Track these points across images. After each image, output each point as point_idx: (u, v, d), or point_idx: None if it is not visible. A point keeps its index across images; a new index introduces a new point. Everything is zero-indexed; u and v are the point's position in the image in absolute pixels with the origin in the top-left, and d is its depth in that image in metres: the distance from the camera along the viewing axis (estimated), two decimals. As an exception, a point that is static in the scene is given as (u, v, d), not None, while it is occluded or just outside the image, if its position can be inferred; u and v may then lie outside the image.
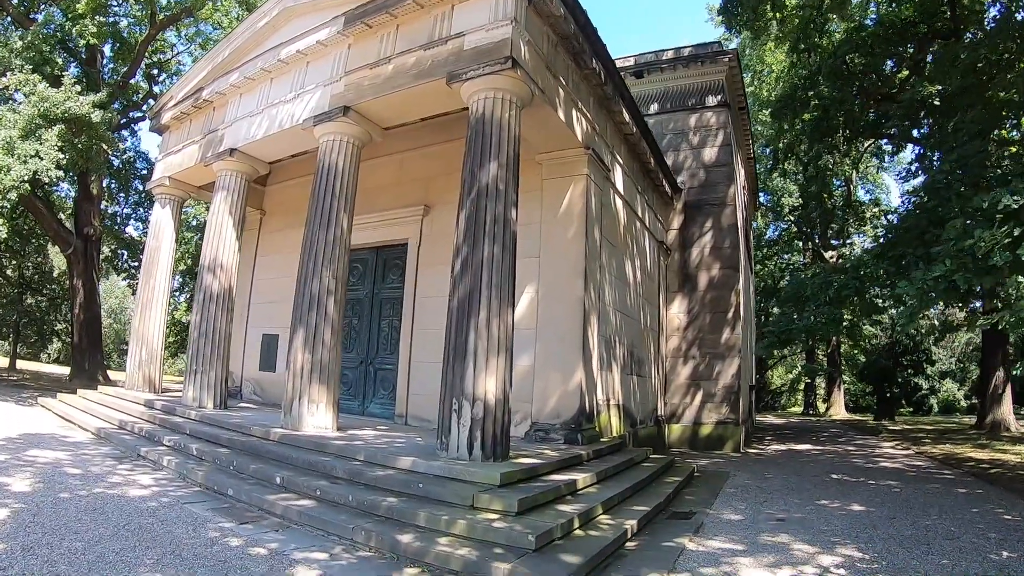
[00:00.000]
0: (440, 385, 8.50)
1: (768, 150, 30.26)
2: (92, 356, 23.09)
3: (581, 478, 8.36)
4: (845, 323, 17.14)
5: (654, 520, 8.24)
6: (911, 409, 33.11)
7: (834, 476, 12.75)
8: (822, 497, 10.44)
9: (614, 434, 12.40)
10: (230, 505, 7.59)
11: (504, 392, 8.38)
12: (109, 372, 25.19)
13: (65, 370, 28.20)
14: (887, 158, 31.79)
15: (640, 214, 15.35)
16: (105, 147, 18.78)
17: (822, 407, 37.66)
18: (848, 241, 35.90)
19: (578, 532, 6.71)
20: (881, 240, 18.45)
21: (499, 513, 6.50)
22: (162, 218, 14.77)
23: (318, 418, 10.10)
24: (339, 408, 12.91)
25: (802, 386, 45.48)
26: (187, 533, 6.33)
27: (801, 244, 37.56)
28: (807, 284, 16.28)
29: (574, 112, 11.08)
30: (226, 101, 13.40)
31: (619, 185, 13.58)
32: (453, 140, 12.46)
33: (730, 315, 16.72)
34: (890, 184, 41.81)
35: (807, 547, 7.18)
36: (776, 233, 40.43)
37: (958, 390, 37.00)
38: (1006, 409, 19.58)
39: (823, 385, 40.88)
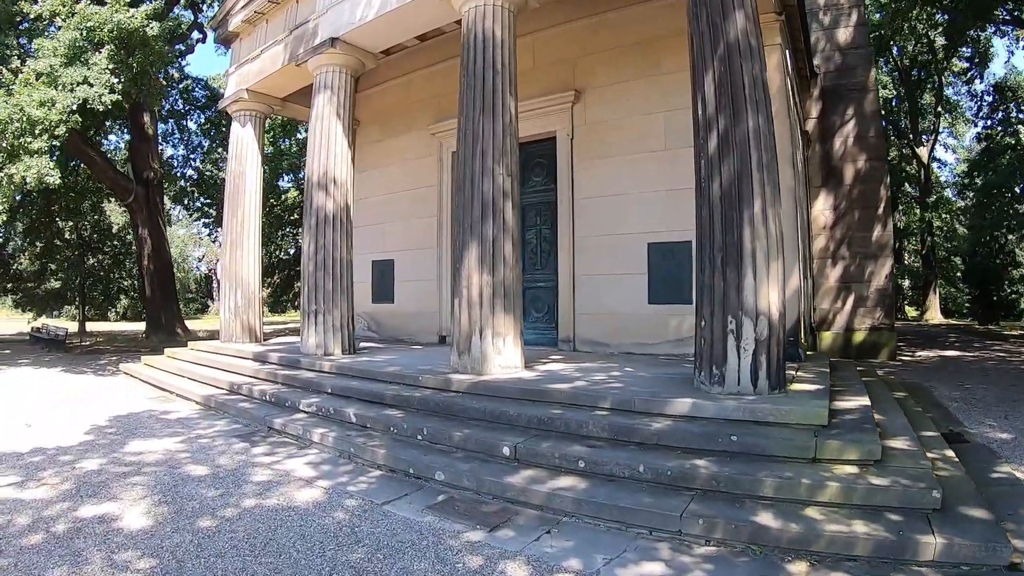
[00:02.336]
0: (698, 300, 5.68)
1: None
2: (167, 308, 19.50)
3: (859, 404, 5.69)
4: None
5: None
6: (1003, 314, 29.24)
7: None
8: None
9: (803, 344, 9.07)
10: (448, 497, 4.65)
11: (785, 305, 5.71)
12: (186, 323, 21.66)
13: (138, 326, 24.44)
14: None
15: (791, 100, 11.57)
16: (160, 71, 14.70)
17: (910, 311, 33.61)
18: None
19: (943, 474, 4.47)
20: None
21: (857, 464, 4.24)
22: (243, 137, 11.03)
23: (506, 356, 6.88)
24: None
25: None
26: (430, 567, 3.50)
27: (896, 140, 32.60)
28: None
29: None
30: (314, -15, 9.54)
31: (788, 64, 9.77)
32: (598, 14, 9.22)
33: (880, 210, 13.21)
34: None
35: None
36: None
37: None
38: None
39: (909, 289, 36.56)
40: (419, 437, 5.62)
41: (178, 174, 22.50)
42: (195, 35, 19.06)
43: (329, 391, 7.09)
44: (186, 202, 23.30)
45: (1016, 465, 5.22)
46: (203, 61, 47.01)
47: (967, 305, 31.79)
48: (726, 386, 5.32)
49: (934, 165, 30.03)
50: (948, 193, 33.31)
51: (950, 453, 5.13)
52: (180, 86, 20.36)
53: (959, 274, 31.74)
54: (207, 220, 23.01)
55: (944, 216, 29.30)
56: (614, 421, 5.08)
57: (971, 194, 25.59)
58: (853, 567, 3.41)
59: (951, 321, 28.42)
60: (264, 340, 10.98)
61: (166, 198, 22.40)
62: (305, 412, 6.74)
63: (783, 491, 3.98)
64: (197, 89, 21.30)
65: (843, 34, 14.00)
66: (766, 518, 3.76)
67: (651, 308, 8.68)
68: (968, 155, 33.89)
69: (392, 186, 11.44)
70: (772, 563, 3.50)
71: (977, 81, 27.06)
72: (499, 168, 6.99)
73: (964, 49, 24.04)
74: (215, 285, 45.21)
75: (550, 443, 4.99)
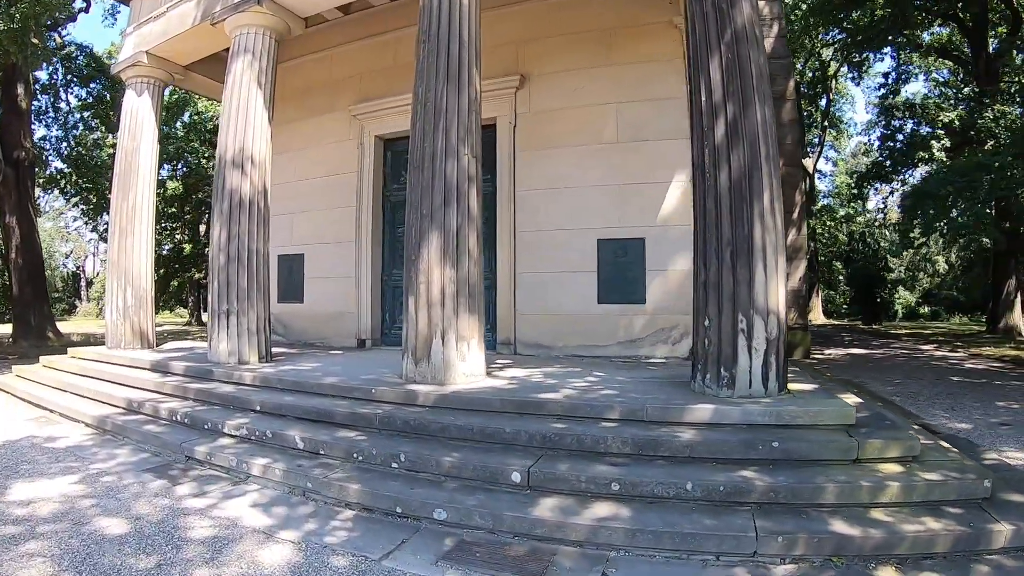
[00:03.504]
0: (700, 297, 5.04)
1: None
2: (38, 308, 15.98)
3: (854, 401, 5.66)
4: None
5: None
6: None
7: (955, 379, 9.58)
8: (994, 400, 7.40)
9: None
10: (459, 541, 3.55)
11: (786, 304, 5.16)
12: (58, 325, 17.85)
13: (3, 329, 20.26)
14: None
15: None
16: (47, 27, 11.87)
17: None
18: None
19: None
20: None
21: (899, 461, 4.00)
22: (139, 108, 8.91)
23: (471, 362, 5.79)
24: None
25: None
26: None
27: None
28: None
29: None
30: (234, -68, 7.82)
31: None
32: None
33: (795, 215, 13.30)
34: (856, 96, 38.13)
35: None
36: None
37: (911, 296, 35.42)
38: (1017, 315, 17.61)
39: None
40: (394, 465, 4.39)
41: (50, 158, 18.59)
42: (77, 3, 15.78)
43: (258, 408, 5.60)
44: (63, 185, 18.95)
45: (999, 451, 5.08)
46: (87, 33, 40.33)
47: (845, 307, 34.07)
48: (736, 389, 4.74)
49: (816, 176, 31.76)
50: (829, 201, 35.57)
51: (945, 444, 4.87)
52: (62, 52, 16.64)
53: (841, 277, 33.94)
54: (86, 206, 19.12)
55: (828, 223, 31.13)
56: (635, 434, 4.26)
57: (857, 203, 27.09)
58: (934, 565, 3.18)
59: (834, 321, 30.33)
60: (157, 346, 9.04)
61: (37, 188, 18.53)
62: (232, 436, 5.24)
63: (844, 496, 3.59)
64: (80, 57, 17.47)
65: (766, 44, 14.03)
66: (841, 526, 3.35)
67: (601, 308, 7.91)
68: (847, 166, 36.42)
69: (305, 172, 9.81)
70: (859, 573, 3.13)
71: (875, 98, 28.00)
72: (464, 148, 5.88)
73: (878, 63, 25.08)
74: (83, 284, 39.57)
75: (567, 464, 4.04)
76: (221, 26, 7.64)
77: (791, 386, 5.19)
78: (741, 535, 3.29)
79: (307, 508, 4.11)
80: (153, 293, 8.80)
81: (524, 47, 8.37)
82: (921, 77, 22.96)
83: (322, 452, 4.73)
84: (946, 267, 32.66)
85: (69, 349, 8.84)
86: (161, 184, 18.72)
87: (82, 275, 41.80)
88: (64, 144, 18.11)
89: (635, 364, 7.20)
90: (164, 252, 25.01)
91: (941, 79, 21.22)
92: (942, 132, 17.22)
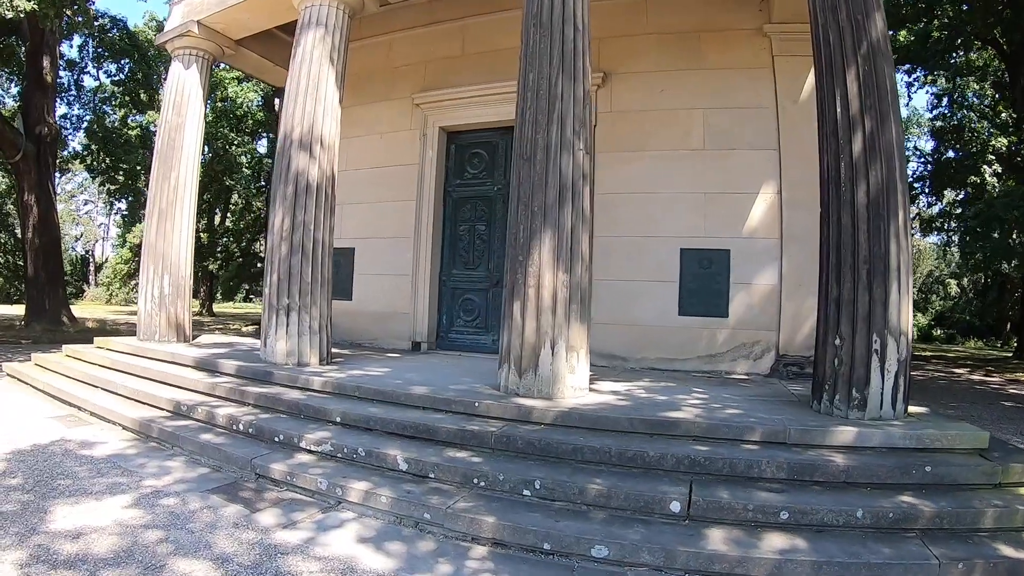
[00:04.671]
0: (830, 315, 4.60)
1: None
2: (53, 292, 14.41)
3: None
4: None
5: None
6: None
7: (1007, 404, 9.00)
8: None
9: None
10: None
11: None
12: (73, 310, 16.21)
13: (14, 310, 18.61)
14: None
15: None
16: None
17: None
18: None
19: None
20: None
21: None
22: (186, 82, 7.84)
23: (579, 375, 5.01)
24: (462, 345, 8.33)
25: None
26: None
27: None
28: None
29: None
30: None
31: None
32: None
33: None
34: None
35: None
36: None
37: (924, 319, 33.47)
38: None
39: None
40: (526, 492, 3.61)
41: (69, 137, 16.95)
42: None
43: (338, 420, 4.66)
44: (91, 162, 16.97)
45: None
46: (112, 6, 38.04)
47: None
48: (867, 411, 4.35)
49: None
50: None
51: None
52: (96, 24, 14.86)
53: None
54: (113, 186, 17.47)
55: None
56: (790, 459, 3.74)
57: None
58: None
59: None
60: (193, 340, 7.94)
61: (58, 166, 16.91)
62: (312, 452, 4.31)
63: (1002, 520, 3.31)
64: (114, 30, 15.68)
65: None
66: (1008, 551, 3.09)
67: (681, 320, 7.11)
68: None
69: (357, 161, 8.78)
70: None
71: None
72: (579, 142, 5.06)
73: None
74: (92, 268, 37.56)
75: (727, 492, 3.49)
76: (287, -3, 6.68)
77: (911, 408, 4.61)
78: (924, 563, 2.99)
79: (428, 544, 3.30)
80: (191, 282, 7.72)
81: (606, 44, 7.48)
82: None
83: (431, 476, 3.88)
84: (958, 290, 32.16)
85: (96, 339, 7.68)
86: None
87: (91, 259, 39.76)
88: (88, 120, 16.50)
89: (719, 380, 6.51)
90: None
91: (978, 103, 20.13)
92: (992, 157, 16.61)
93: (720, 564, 3.01)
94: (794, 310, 6.84)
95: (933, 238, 21.38)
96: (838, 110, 4.66)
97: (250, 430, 4.70)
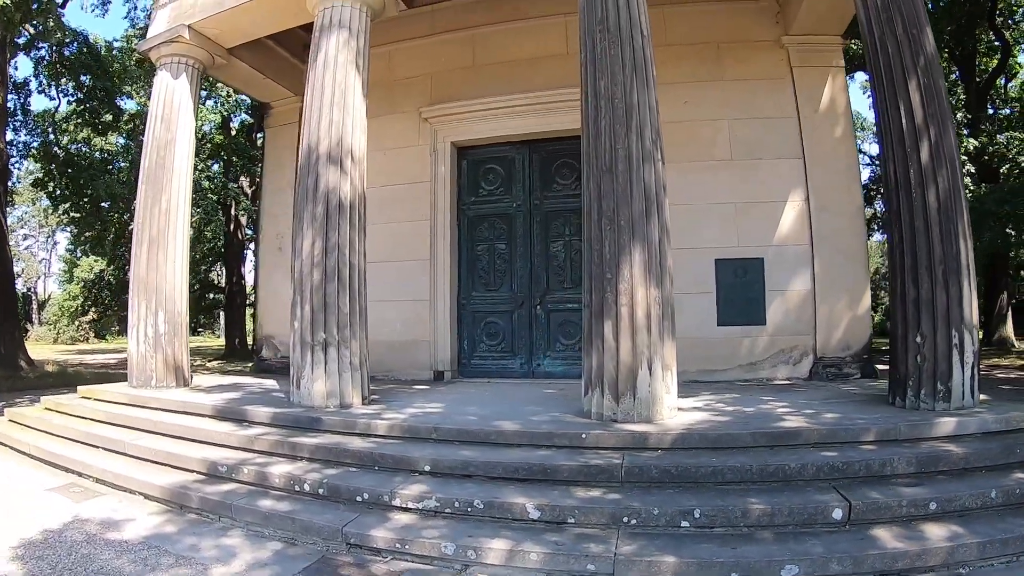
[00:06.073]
0: (910, 314, 4.66)
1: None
2: (7, 333, 12.43)
3: None
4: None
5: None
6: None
7: (1006, 388, 9.20)
8: None
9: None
10: None
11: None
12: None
13: None
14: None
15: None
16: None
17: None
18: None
19: None
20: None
21: None
22: (175, 93, 6.86)
23: (673, 394, 4.66)
24: (488, 371, 7.86)
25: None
26: None
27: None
28: None
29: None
30: None
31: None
32: (656, 6, 7.02)
33: None
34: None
35: None
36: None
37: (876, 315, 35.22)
38: (1009, 328, 17.50)
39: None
40: (684, 524, 3.29)
41: (16, 165, 14.77)
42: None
43: (428, 469, 4.00)
44: (53, 188, 14.53)
45: None
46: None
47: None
48: (952, 401, 4.52)
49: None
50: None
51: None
52: (55, 37, 12.79)
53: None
54: (78, 214, 15.04)
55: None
56: (918, 453, 3.78)
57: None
58: None
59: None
60: (192, 382, 6.89)
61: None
62: (413, 510, 3.64)
63: None
64: (73, 45, 13.58)
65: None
66: None
67: (721, 331, 6.95)
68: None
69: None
70: None
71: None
72: (657, 153, 4.71)
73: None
74: (35, 306, 33.63)
75: (876, 492, 3.44)
76: (301, -2, 5.98)
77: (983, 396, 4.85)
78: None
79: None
80: (188, 318, 6.69)
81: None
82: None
83: (570, 521, 3.40)
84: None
85: (80, 388, 6.49)
86: (125, 201, 15.29)
87: (34, 297, 35.94)
88: (36, 146, 14.34)
89: (769, 387, 6.45)
90: (128, 276, 21.18)
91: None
92: (965, 157, 17.54)
93: (903, 560, 3.01)
94: (827, 313, 6.92)
95: (877, 237, 22.51)
96: (903, 119, 4.76)
97: (320, 490, 3.95)
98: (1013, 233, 12.36)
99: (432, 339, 7.65)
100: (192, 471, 4.53)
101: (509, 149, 7.82)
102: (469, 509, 3.55)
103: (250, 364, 14.44)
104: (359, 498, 3.82)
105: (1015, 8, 14.67)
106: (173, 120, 6.76)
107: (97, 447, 5.19)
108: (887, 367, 8.08)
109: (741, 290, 6.90)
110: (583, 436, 4.11)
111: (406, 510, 3.68)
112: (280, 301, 8.38)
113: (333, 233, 5.41)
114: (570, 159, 7.54)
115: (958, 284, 4.56)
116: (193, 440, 4.95)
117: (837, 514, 3.26)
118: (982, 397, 4.79)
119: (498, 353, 7.70)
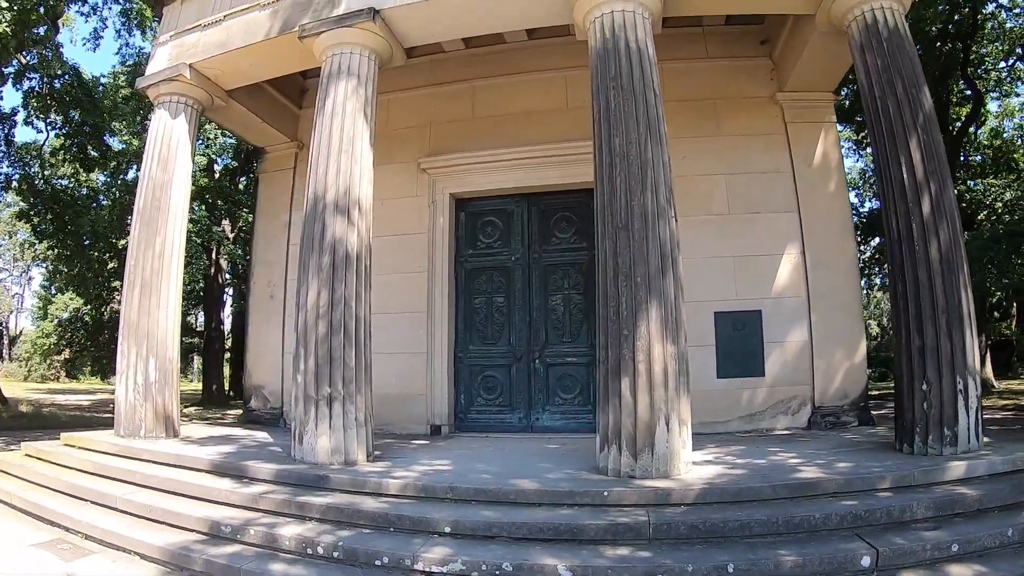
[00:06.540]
0: (915, 362, 4.87)
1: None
2: None
3: None
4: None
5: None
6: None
7: (993, 428, 9.47)
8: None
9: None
10: None
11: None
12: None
13: None
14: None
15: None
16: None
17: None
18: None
19: None
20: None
21: None
22: (174, 133, 6.81)
23: (689, 448, 4.73)
24: (485, 425, 7.78)
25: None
26: None
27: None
28: None
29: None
30: (333, -57, 6.43)
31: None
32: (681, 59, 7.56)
33: None
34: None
35: None
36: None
37: None
38: (988, 369, 17.49)
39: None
40: None
41: None
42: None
43: (448, 531, 3.90)
44: (37, 223, 14.19)
45: None
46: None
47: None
48: (958, 446, 4.71)
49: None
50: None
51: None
52: (47, 67, 12.52)
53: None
54: (62, 250, 14.43)
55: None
56: (935, 498, 3.95)
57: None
58: None
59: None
60: (180, 433, 6.62)
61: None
62: (437, 574, 3.53)
63: None
64: (65, 76, 13.25)
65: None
66: None
67: (721, 383, 7.04)
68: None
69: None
70: None
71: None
72: (671, 209, 4.87)
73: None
74: (5, 342, 32.33)
75: (900, 538, 3.60)
76: (308, 43, 6.09)
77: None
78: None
79: None
80: (179, 366, 6.51)
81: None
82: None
83: None
84: (879, 329, 33.93)
85: (64, 436, 6.20)
86: (106, 239, 15.00)
87: (5, 332, 34.71)
88: (17, 178, 13.93)
89: (769, 437, 6.56)
90: (105, 316, 20.57)
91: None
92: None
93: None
94: (825, 364, 6.99)
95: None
96: (904, 175, 5.04)
97: (336, 553, 3.81)
98: (995, 273, 12.96)
99: (429, 393, 7.53)
100: (192, 530, 4.32)
101: (508, 202, 7.90)
102: (498, 572, 3.44)
103: (230, 412, 14.12)
104: (378, 562, 3.70)
105: (985, 58, 15.64)
106: (171, 160, 6.70)
107: (85, 500, 4.95)
108: (882, 413, 8.31)
109: (740, 342, 7.01)
110: (605, 494, 4.07)
111: (430, 574, 3.62)
112: (271, 350, 8.33)
113: (340, 285, 5.36)
114: (569, 212, 7.72)
115: (961, 332, 4.78)
116: (191, 496, 4.74)
117: (865, 561, 3.39)
118: (984, 440, 4.96)
119: (496, 407, 7.61)
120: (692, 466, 4.68)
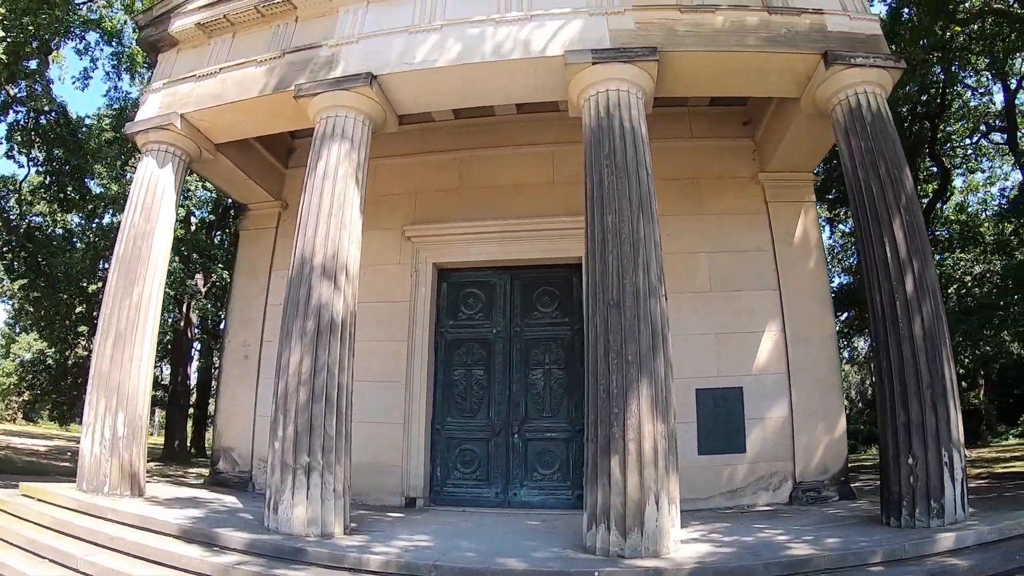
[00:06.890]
0: (900, 437, 4.96)
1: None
2: None
3: None
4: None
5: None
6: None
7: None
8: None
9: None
10: None
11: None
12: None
13: None
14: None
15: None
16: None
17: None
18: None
19: None
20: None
21: None
22: (159, 182, 6.78)
23: (678, 527, 4.72)
24: (462, 499, 7.61)
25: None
26: None
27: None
28: None
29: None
30: (334, 8, 6.61)
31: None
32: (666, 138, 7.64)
33: None
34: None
35: None
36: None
37: None
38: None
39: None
40: None
41: None
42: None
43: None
44: (10, 260, 13.73)
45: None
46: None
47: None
48: (945, 517, 4.76)
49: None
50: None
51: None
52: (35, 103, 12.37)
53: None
54: (30, 291, 13.82)
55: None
56: (926, 570, 4.09)
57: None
58: None
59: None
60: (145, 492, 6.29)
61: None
62: None
63: None
64: (52, 114, 13.05)
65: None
66: None
67: (703, 459, 7.01)
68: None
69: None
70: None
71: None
72: (661, 288, 5.01)
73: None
74: None
75: None
76: (303, 103, 6.24)
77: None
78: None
79: None
80: (148, 422, 6.28)
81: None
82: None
83: None
84: (847, 402, 33.88)
85: (22, 485, 5.87)
86: (77, 283, 14.51)
87: None
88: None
89: (752, 513, 6.56)
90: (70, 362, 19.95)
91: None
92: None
93: None
94: (806, 439, 7.04)
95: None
96: (888, 254, 5.23)
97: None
98: (968, 345, 13.49)
99: (404, 464, 7.33)
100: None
101: (491, 274, 7.93)
102: None
103: (192, 470, 13.55)
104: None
105: (952, 136, 16.53)
106: (154, 210, 6.65)
107: (44, 558, 4.70)
108: (857, 485, 8.33)
109: (722, 419, 7.03)
110: (596, 574, 4.00)
111: None
112: (243, 412, 8.06)
113: (323, 351, 5.29)
114: (552, 287, 7.82)
115: (945, 405, 4.89)
116: (157, 563, 4.50)
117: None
118: (970, 510, 5.03)
119: (473, 481, 7.43)
120: (680, 544, 4.63)
